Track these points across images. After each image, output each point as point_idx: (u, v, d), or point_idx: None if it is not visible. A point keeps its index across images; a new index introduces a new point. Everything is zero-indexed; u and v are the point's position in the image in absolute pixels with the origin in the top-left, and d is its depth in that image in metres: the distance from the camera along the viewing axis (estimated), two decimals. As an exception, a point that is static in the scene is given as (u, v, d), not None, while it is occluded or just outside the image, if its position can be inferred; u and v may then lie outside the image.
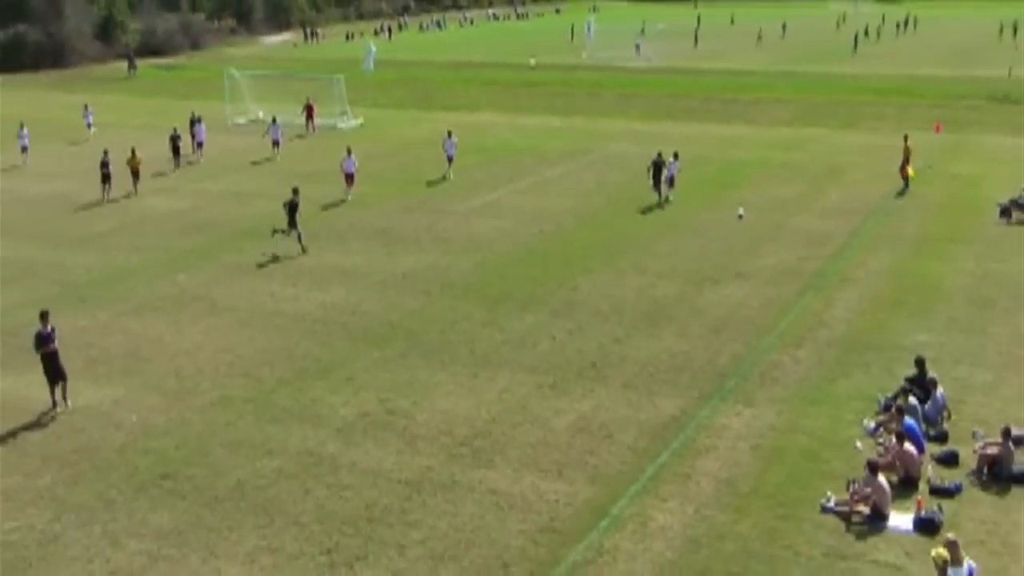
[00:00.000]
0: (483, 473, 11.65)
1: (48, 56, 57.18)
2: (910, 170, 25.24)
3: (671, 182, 24.64)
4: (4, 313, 17.34)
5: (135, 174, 26.10)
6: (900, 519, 10.55)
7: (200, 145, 30.74)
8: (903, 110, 38.50)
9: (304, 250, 20.60)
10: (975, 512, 10.74)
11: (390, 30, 79.02)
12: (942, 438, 12.25)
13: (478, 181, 27.14)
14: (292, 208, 20.61)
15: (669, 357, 15.01)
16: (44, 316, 13.53)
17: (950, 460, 11.71)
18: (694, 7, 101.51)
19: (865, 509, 10.61)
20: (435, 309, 17.27)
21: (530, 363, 14.87)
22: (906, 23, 74.94)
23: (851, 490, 10.85)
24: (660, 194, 24.58)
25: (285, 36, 77.64)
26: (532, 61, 56.24)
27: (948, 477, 11.35)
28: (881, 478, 10.69)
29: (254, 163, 30.48)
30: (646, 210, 24.14)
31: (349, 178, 25.28)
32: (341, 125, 36.79)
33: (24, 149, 30.53)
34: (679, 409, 13.23)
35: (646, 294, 17.88)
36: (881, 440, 12.05)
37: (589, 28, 61.48)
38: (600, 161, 30.43)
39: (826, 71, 50.56)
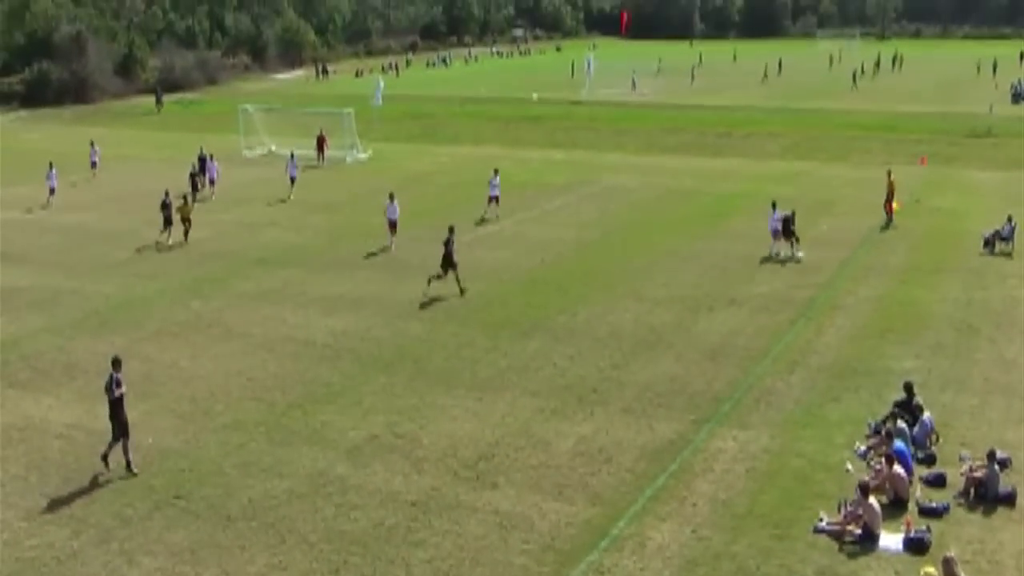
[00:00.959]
0: (487, 494, 11.88)
1: (71, 92, 58.38)
2: (895, 205, 25.54)
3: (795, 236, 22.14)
4: (29, 337, 17.76)
5: (186, 221, 24.37)
6: (890, 539, 10.77)
7: (212, 182, 30.59)
8: (889, 144, 39.11)
9: (463, 291, 19.57)
10: (962, 532, 10.99)
11: (397, 67, 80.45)
12: (930, 461, 12.51)
13: (482, 212, 27.71)
14: (446, 246, 19.44)
15: (666, 382, 15.32)
16: (115, 363, 12.63)
17: (938, 482, 11.97)
18: (690, 45, 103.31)
19: (857, 529, 10.82)
20: (441, 335, 17.63)
21: (532, 388, 15.19)
22: (895, 61, 76.43)
23: (843, 511, 11.06)
24: (793, 247, 22.05)
25: (297, 72, 78.85)
26: (535, 96, 57.27)
27: (936, 498, 11.60)
28: (872, 499, 10.92)
29: (266, 194, 30.88)
30: (644, 241, 24.60)
31: (392, 226, 23.71)
32: (350, 158, 37.31)
33: (52, 191, 29.61)
34: (676, 432, 13.52)
35: (643, 321, 18.25)
36: (871, 463, 12.30)
37: (589, 65, 62.69)
38: (599, 193, 30.96)
39: (817, 107, 51.35)
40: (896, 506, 11.41)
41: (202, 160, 31.53)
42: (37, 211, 28.84)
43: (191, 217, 24.66)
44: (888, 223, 25.51)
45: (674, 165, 35.85)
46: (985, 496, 11.57)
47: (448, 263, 19.57)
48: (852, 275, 21.24)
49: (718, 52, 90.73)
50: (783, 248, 22.47)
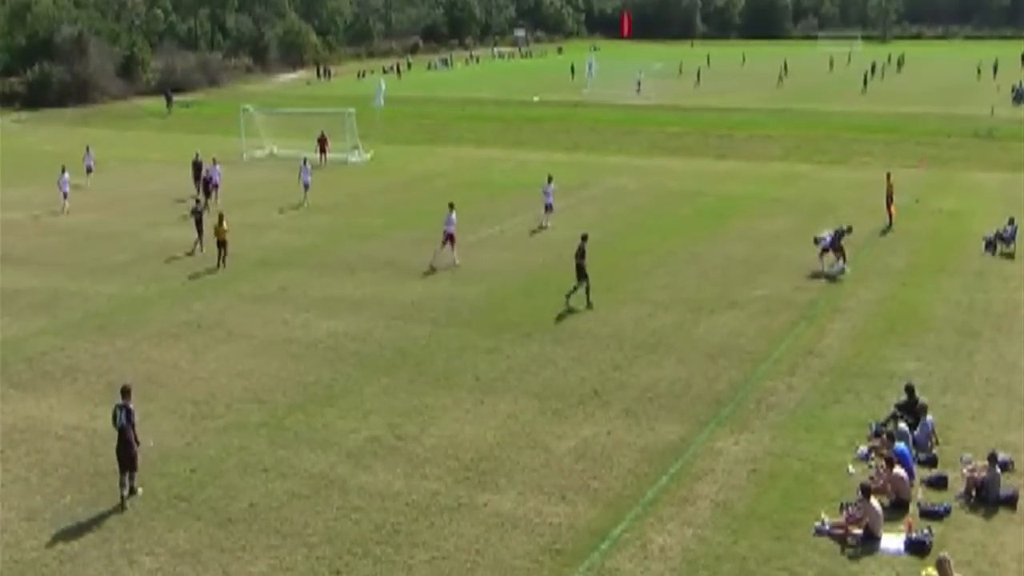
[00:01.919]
0: (488, 496, 11.90)
1: (72, 93, 58.55)
2: (895, 208, 25.49)
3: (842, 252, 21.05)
4: (30, 339, 17.80)
5: (222, 244, 22.01)
6: (892, 541, 10.78)
7: (216, 187, 29.52)
8: (891, 147, 39.13)
9: (590, 305, 18.71)
10: (963, 534, 10.99)
11: (399, 68, 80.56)
12: (931, 462, 12.51)
13: (483, 214, 27.60)
14: (579, 256, 18.69)
15: (668, 384, 15.35)
16: (125, 393, 11.99)
17: (939, 484, 11.97)
18: (691, 47, 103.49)
19: (858, 531, 10.83)
20: (442, 337, 17.65)
21: (533, 390, 15.21)
22: (896, 62, 76.59)
23: (844, 513, 11.08)
24: (841, 261, 21.01)
25: (299, 74, 79.03)
26: (536, 98, 57.38)
27: (937, 500, 11.60)
28: (873, 501, 10.92)
29: (267, 195, 30.83)
30: (645, 243, 24.60)
31: (451, 239, 21.92)
32: (352, 159, 37.32)
33: (65, 196, 28.46)
34: (678, 434, 13.53)
35: (645, 323, 18.27)
36: (873, 464, 12.31)
37: (590, 66, 62.84)
38: (601, 195, 30.99)
39: (817, 109, 51.44)
40: (897, 508, 11.41)
41: (196, 166, 30.75)
42: (47, 217, 28.28)
43: (227, 239, 22.11)
44: (889, 226, 25.52)
45: (675, 167, 35.86)
46: (986, 498, 11.57)
47: (581, 274, 18.75)
48: (853, 276, 21.23)
49: (725, 55, 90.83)
50: (830, 261, 21.30)
